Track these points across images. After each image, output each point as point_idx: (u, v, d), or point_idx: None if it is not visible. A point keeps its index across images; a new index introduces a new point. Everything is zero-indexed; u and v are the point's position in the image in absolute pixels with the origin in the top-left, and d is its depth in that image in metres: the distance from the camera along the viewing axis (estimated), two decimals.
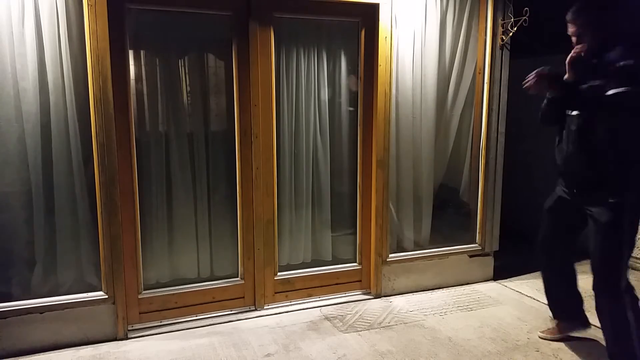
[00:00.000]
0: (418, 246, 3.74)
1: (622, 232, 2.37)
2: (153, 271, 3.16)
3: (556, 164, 2.63)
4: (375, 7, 3.32)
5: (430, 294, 3.67)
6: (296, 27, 3.30)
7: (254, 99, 3.15)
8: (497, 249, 3.93)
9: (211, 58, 3.24)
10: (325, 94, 3.43)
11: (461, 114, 3.74)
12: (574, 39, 2.55)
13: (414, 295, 3.63)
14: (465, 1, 3.59)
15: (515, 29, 3.58)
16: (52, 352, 2.81)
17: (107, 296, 2.92)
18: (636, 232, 2.41)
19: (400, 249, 3.67)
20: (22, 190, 2.75)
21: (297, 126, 3.39)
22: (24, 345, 2.77)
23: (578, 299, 2.88)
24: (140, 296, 3.07)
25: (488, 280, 3.92)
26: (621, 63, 2.29)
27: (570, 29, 2.57)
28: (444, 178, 3.84)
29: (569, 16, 2.57)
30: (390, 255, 3.59)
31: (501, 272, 3.98)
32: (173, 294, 3.15)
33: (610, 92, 2.26)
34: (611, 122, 2.38)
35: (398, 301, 3.53)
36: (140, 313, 3.07)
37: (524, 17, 3.45)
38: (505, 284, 3.88)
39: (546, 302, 3.53)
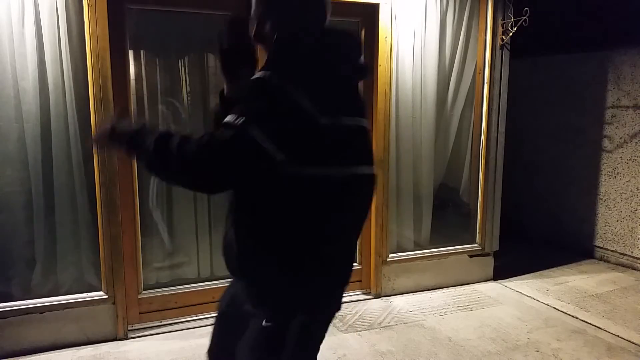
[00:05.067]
0: (418, 246, 3.73)
1: None
2: (153, 271, 3.16)
3: None
4: (375, 7, 3.32)
5: (430, 294, 3.67)
6: None
7: None
8: (497, 249, 3.93)
9: (211, 58, 3.23)
10: None
11: (461, 114, 3.74)
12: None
13: (414, 295, 3.63)
14: (465, 1, 3.59)
15: (515, 29, 3.58)
16: (52, 352, 2.81)
17: (107, 296, 2.92)
18: None
19: (400, 249, 3.67)
20: (22, 190, 2.75)
21: None
22: (24, 345, 2.77)
23: None
24: (140, 296, 3.07)
25: (488, 280, 3.92)
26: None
27: None
28: (444, 178, 3.84)
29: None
30: (390, 255, 3.59)
31: (501, 272, 3.98)
32: (173, 294, 3.15)
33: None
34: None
35: (398, 301, 3.52)
36: (140, 313, 3.07)
37: (524, 17, 3.45)
38: (505, 284, 3.88)
39: (546, 302, 3.54)
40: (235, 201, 1.32)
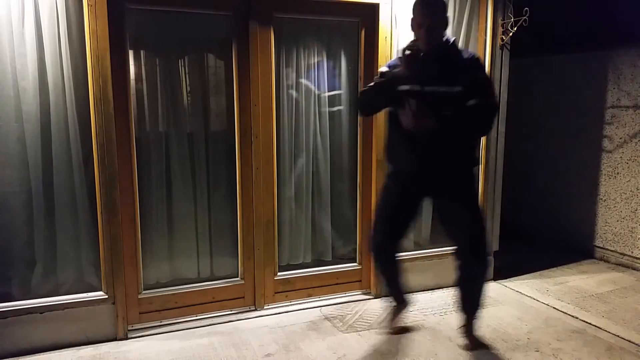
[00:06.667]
0: (418, 246, 3.73)
1: None
2: (153, 271, 3.16)
3: (398, 156, 2.71)
4: (375, 7, 3.32)
5: (430, 294, 3.67)
6: (296, 27, 3.30)
7: (254, 99, 3.15)
8: (497, 249, 3.93)
9: (211, 58, 3.24)
10: (325, 94, 3.43)
11: None
12: (420, 31, 2.51)
13: (414, 295, 3.62)
14: (465, 1, 3.59)
15: (515, 29, 3.58)
16: (52, 352, 2.81)
17: (107, 296, 2.92)
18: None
19: (401, 249, 3.66)
20: (22, 190, 2.75)
21: (297, 126, 3.39)
22: (24, 345, 2.77)
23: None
24: (140, 296, 3.07)
25: (488, 280, 3.91)
26: (473, 74, 2.51)
27: (422, 20, 2.50)
28: None
29: (423, 7, 2.51)
30: None
31: (501, 272, 3.98)
32: (173, 294, 3.15)
33: (472, 102, 2.48)
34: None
35: None
36: (140, 313, 3.07)
37: (524, 17, 3.45)
38: (505, 284, 3.88)
39: (546, 302, 3.53)
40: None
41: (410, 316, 3.29)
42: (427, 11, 2.49)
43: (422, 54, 2.52)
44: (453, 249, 2.78)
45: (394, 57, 3.40)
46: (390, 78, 2.52)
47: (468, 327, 2.87)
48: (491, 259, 3.87)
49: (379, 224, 2.86)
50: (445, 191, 2.70)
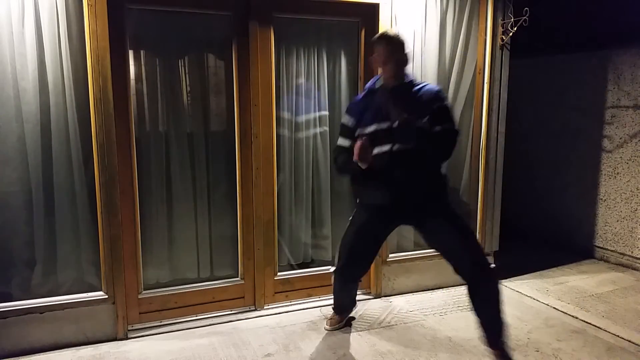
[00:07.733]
0: (418, 246, 3.73)
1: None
2: (153, 271, 3.16)
3: (374, 191, 2.63)
4: (375, 7, 3.32)
5: (430, 294, 3.67)
6: (296, 27, 3.30)
7: (254, 99, 3.15)
8: (497, 249, 3.93)
9: (211, 58, 3.24)
10: (325, 94, 3.43)
11: (461, 114, 3.74)
12: (380, 65, 2.64)
13: (414, 295, 3.63)
14: (465, 1, 3.59)
15: (515, 29, 3.58)
16: (52, 352, 2.81)
17: (107, 296, 2.92)
18: None
19: (400, 249, 3.67)
20: (22, 190, 2.75)
21: (297, 126, 3.39)
22: (24, 345, 2.77)
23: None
24: (140, 296, 3.07)
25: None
26: (436, 105, 2.53)
27: (379, 56, 2.61)
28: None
29: (383, 44, 2.60)
30: (390, 255, 3.59)
31: (501, 272, 3.97)
32: (173, 294, 3.15)
33: (438, 128, 2.51)
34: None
35: (398, 301, 3.52)
36: (140, 313, 3.07)
37: (524, 17, 3.46)
38: (505, 284, 3.88)
39: (546, 302, 3.53)
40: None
41: (410, 316, 3.29)
42: (389, 49, 2.56)
43: (386, 90, 2.62)
44: (460, 279, 2.69)
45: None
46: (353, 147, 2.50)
47: (503, 354, 2.60)
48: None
49: (344, 252, 2.82)
50: (423, 218, 2.65)
